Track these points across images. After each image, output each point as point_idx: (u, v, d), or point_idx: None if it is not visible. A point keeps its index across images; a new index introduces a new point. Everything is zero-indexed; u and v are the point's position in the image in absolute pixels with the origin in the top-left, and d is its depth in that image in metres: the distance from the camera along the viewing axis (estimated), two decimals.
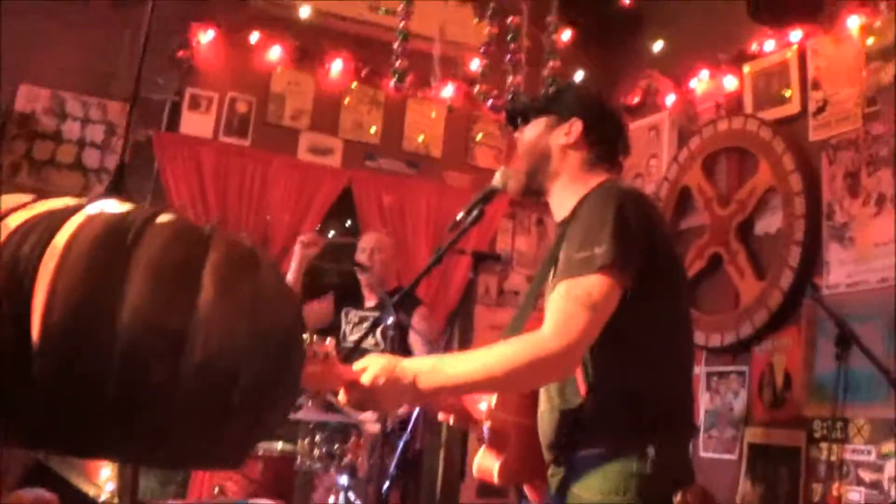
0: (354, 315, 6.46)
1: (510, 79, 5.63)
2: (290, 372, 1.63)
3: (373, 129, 7.67)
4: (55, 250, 1.40)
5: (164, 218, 1.48)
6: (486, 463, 3.04)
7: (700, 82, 7.24)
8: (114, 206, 1.51)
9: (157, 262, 1.40)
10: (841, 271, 5.94)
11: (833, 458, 5.69)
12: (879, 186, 5.76)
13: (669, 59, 7.59)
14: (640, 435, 2.77)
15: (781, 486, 6.05)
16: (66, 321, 1.37)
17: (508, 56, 5.55)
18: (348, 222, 8.13)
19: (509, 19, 5.50)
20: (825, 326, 5.81)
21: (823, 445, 5.81)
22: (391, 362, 2.74)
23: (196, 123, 7.19)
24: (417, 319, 6.22)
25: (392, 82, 5.86)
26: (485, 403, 3.00)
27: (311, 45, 7.48)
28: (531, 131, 3.19)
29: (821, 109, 6.21)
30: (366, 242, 6.55)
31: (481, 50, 5.63)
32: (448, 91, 7.57)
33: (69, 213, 1.46)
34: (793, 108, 6.46)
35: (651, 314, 2.83)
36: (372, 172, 7.66)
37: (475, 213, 3.39)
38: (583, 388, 2.82)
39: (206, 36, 7.20)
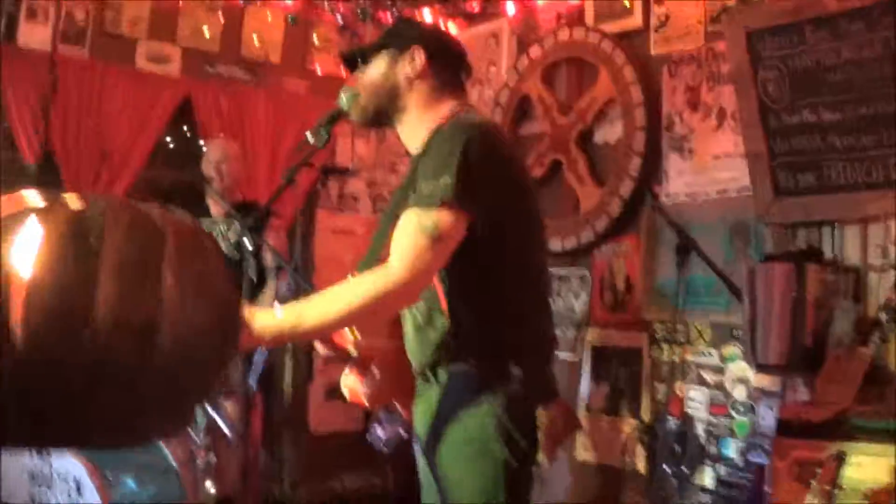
0: (204, 225, 6.38)
1: None
2: (233, 340, 1.79)
3: (206, 32, 7.45)
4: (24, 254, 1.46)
5: (119, 213, 1.55)
6: (354, 386, 3.12)
7: None
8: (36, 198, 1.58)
9: (120, 260, 1.47)
10: (680, 181, 6.15)
11: (675, 358, 5.98)
12: (720, 101, 5.96)
13: None
14: (504, 354, 2.91)
15: (624, 386, 6.33)
16: (43, 325, 1.43)
17: None
18: (184, 129, 8.01)
19: None
20: (664, 234, 6.04)
21: (665, 346, 6.10)
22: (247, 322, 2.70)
23: (34, 34, 6.84)
24: (272, 234, 6.19)
25: None
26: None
27: None
28: (374, 69, 3.19)
29: (662, 25, 6.33)
30: (212, 153, 6.46)
31: None
32: None
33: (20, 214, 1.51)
34: (634, 22, 6.56)
35: (504, 240, 2.93)
36: (211, 80, 7.50)
37: (323, 134, 3.41)
38: (444, 309, 2.95)
39: None
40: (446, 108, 3.13)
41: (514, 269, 2.98)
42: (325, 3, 5.92)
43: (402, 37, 3.21)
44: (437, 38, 3.28)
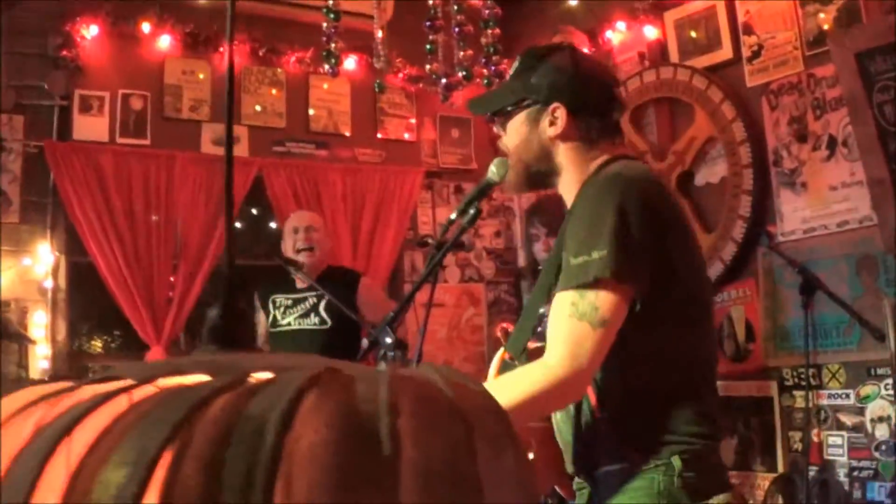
0: (285, 299, 6.47)
1: (461, 53, 5.71)
2: None
3: (257, 107, 7.69)
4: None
5: (405, 390, 1.00)
6: None
7: (617, 33, 7.53)
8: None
9: (427, 471, 0.94)
10: (795, 217, 6.29)
11: (809, 404, 6.05)
12: (828, 129, 6.12)
13: (582, 14, 7.81)
14: (663, 445, 2.69)
15: (755, 437, 6.44)
16: None
17: (457, 29, 5.62)
18: (253, 211, 8.22)
19: None
20: (784, 275, 6.17)
21: (797, 393, 6.21)
22: None
23: (90, 127, 7.07)
24: (365, 292, 6.36)
25: (327, 68, 5.86)
26: None
27: (202, 30, 7.41)
28: (516, 133, 3.02)
29: (756, 54, 6.54)
30: (298, 221, 6.48)
31: (427, 24, 5.68)
32: (350, 64, 7.69)
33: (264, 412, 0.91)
34: (724, 54, 6.77)
35: (663, 316, 2.73)
36: (281, 158, 7.70)
37: (472, 211, 3.31)
38: (593, 399, 2.77)
39: (90, 31, 7.05)
40: (597, 159, 2.94)
41: (675, 345, 2.79)
42: (427, 67, 6.00)
43: (537, 90, 2.98)
44: (577, 83, 2.97)
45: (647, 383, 2.74)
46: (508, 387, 2.63)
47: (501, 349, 3.13)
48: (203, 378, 0.93)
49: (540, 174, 3.04)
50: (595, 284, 2.60)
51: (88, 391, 0.92)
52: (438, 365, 1.17)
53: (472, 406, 1.05)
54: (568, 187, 2.99)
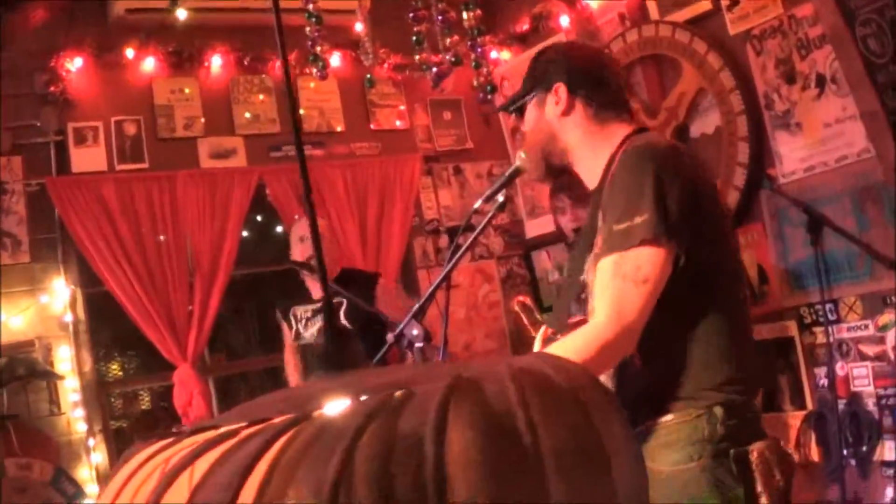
0: (304, 311, 6.61)
1: (447, 40, 5.85)
2: None
3: (247, 115, 7.83)
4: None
5: (526, 383, 1.15)
6: None
7: None
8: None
9: (561, 460, 1.09)
10: (793, 158, 6.44)
11: (830, 339, 6.23)
12: (815, 68, 6.27)
13: None
14: (705, 398, 2.83)
15: (782, 377, 6.61)
16: None
17: (440, 17, 5.75)
18: (258, 217, 8.38)
19: None
20: (789, 215, 6.34)
21: (817, 330, 6.37)
22: None
23: (88, 158, 7.17)
24: (382, 293, 6.49)
25: (315, 72, 6.02)
26: None
27: (184, 47, 7.54)
28: (528, 119, 3.30)
29: (735, 2, 6.64)
30: (299, 231, 6.57)
31: (410, 16, 5.82)
32: (335, 60, 7.80)
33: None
34: (704, 5, 6.88)
35: (699, 277, 2.86)
36: (279, 163, 7.79)
37: (500, 198, 3.51)
38: (636, 358, 2.90)
39: (74, 64, 7.16)
40: (616, 133, 3.13)
41: (711, 305, 2.93)
42: (416, 57, 6.14)
43: (541, 78, 3.26)
44: (576, 64, 3.24)
45: (689, 344, 2.90)
46: (560, 352, 2.62)
47: (543, 328, 3.34)
48: (345, 401, 1.07)
49: (554, 156, 3.27)
50: (638, 245, 2.78)
51: (249, 431, 1.07)
52: (540, 352, 1.31)
53: (580, 386, 1.22)
54: (585, 163, 3.22)
